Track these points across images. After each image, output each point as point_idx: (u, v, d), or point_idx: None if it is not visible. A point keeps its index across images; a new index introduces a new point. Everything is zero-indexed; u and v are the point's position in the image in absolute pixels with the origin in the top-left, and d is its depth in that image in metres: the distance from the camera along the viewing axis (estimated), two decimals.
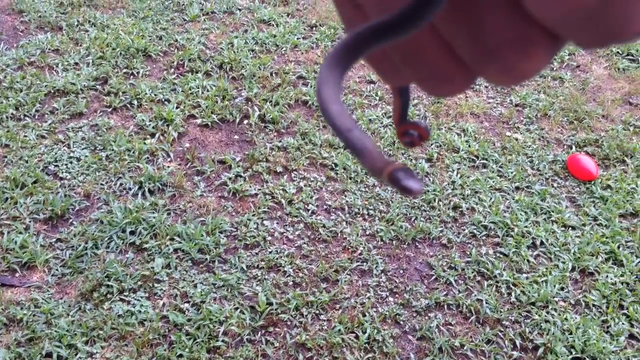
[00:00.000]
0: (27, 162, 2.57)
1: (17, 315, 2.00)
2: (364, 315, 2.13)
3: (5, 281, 2.12)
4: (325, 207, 2.54)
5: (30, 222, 2.33)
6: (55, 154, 2.63)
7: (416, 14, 0.22)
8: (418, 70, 0.27)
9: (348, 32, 0.26)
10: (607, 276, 2.36)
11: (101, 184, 2.53)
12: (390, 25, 0.23)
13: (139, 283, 2.16)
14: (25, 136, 2.70)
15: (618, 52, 3.80)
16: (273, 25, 3.72)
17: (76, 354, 1.91)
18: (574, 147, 3.02)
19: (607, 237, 2.52)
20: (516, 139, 3.04)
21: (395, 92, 0.34)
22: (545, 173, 2.84)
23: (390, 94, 3.23)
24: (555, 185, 2.79)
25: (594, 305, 2.26)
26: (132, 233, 2.33)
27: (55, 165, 2.58)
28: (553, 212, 2.62)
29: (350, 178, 2.68)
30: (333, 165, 2.73)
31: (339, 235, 2.42)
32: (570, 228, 2.57)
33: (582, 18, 0.21)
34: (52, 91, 2.98)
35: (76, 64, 3.20)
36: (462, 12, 0.23)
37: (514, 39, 0.23)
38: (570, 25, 0.21)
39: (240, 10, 3.85)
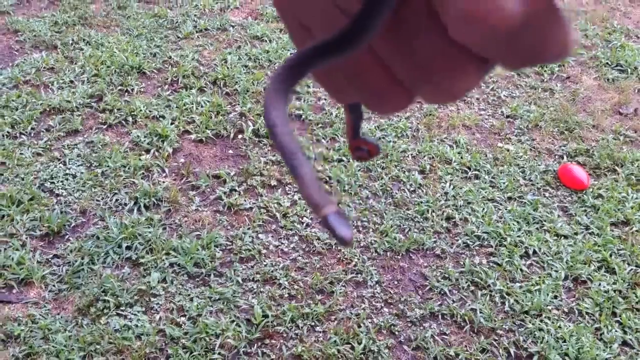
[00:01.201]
0: (23, 179, 2.59)
1: (14, 332, 2.01)
2: (359, 326, 2.15)
3: (3, 298, 2.13)
4: (319, 219, 2.55)
5: (26, 238, 2.35)
6: (51, 171, 2.65)
7: (354, 36, 0.24)
8: (361, 89, 0.29)
9: (296, 51, 0.28)
10: (599, 284, 2.38)
11: (97, 200, 2.55)
12: (330, 46, 0.25)
13: (136, 297, 2.17)
14: (21, 154, 2.72)
15: (607, 63, 3.85)
16: (266, 41, 3.77)
17: None
18: (565, 157, 3.06)
19: (599, 246, 2.55)
20: (508, 150, 3.07)
21: (347, 110, 0.36)
22: (537, 183, 2.87)
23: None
24: (547, 195, 2.82)
25: (587, 313, 2.28)
26: (128, 248, 2.34)
27: (52, 182, 2.60)
28: (545, 221, 2.65)
29: (344, 190, 2.70)
30: (327, 178, 2.75)
31: (334, 247, 2.44)
32: (562, 237, 2.59)
33: (500, 43, 0.22)
34: (48, 109, 3.01)
35: (71, 82, 3.23)
36: (397, 37, 0.25)
37: (444, 62, 0.25)
38: (491, 49, 0.23)
39: (233, 26, 3.90)
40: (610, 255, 2.49)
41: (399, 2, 0.24)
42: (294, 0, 0.28)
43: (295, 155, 0.26)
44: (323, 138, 3.00)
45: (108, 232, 2.38)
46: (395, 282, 2.34)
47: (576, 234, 2.61)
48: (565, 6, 4.49)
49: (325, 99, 3.26)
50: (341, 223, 0.26)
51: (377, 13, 0.24)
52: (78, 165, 2.70)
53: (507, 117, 3.33)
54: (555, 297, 2.33)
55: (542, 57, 0.24)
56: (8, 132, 2.84)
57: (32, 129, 2.88)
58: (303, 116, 3.13)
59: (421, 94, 0.27)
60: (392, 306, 2.25)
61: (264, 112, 0.27)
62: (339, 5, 0.26)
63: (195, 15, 3.97)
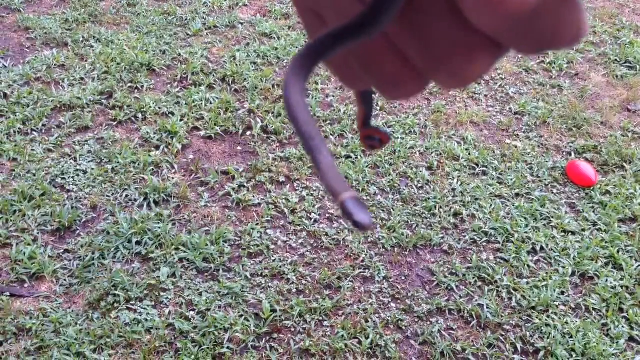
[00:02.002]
0: (34, 175, 2.62)
1: (26, 325, 2.04)
2: (367, 321, 2.17)
3: (15, 292, 2.16)
4: (327, 215, 2.57)
5: (38, 233, 2.38)
6: (62, 167, 2.68)
7: (369, 22, 0.25)
8: (375, 75, 0.29)
9: (310, 39, 0.29)
10: (606, 280, 2.38)
11: (107, 196, 2.57)
12: (345, 32, 0.26)
13: (145, 292, 2.20)
14: (32, 150, 2.75)
15: (616, 60, 3.84)
16: (274, 38, 3.78)
17: None
18: (573, 154, 3.06)
19: (606, 242, 2.55)
20: (516, 147, 3.07)
21: (359, 99, 0.37)
22: (545, 179, 2.87)
23: (397, 103, 3.28)
24: (554, 191, 2.82)
25: (594, 309, 2.28)
26: (138, 243, 2.37)
27: (63, 178, 2.63)
28: (553, 217, 2.66)
29: (352, 186, 2.72)
30: (334, 159, 2.76)
31: (342, 243, 2.46)
32: (570, 233, 2.60)
33: (516, 27, 0.23)
34: (59, 106, 3.04)
35: (82, 79, 3.26)
36: (411, 22, 0.26)
37: (459, 46, 0.26)
38: (507, 34, 0.24)
39: (242, 24, 3.92)
40: (618, 252, 2.50)
41: None
42: None
43: (314, 140, 0.27)
44: (331, 134, 3.02)
45: (118, 228, 2.41)
46: (403, 278, 2.36)
47: (584, 230, 2.61)
48: None
49: (333, 96, 3.27)
50: (359, 208, 0.26)
51: None
52: (88, 161, 2.72)
53: (515, 113, 3.33)
54: (562, 293, 2.34)
55: (557, 42, 0.25)
56: (20, 128, 2.87)
57: (43, 125, 2.91)
58: (311, 112, 3.14)
59: (435, 79, 0.28)
60: (399, 301, 2.27)
61: (284, 98, 0.27)
62: None
63: (204, 12, 3.99)
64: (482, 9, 0.23)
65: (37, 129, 2.89)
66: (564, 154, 3.06)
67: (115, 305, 2.14)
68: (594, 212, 2.71)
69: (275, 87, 3.32)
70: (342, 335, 2.11)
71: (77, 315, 2.10)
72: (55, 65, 3.34)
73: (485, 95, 3.46)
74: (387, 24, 0.25)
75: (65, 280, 2.22)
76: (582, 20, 0.24)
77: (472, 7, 0.23)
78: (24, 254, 2.27)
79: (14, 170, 2.64)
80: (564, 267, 2.43)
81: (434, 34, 0.26)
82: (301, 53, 0.27)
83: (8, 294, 2.15)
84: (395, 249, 2.46)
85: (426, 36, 0.26)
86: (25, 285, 2.20)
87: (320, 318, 2.17)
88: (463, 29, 0.25)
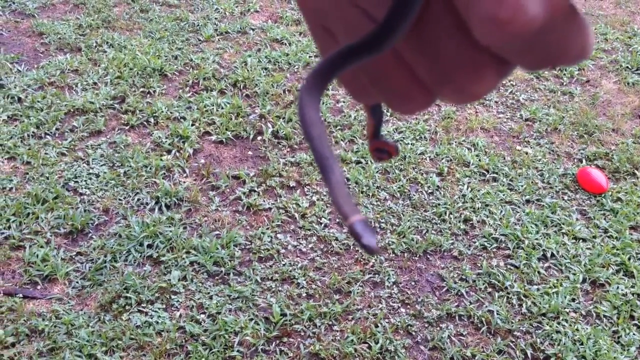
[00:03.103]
0: (48, 178, 2.64)
1: (38, 326, 2.06)
2: (377, 326, 2.17)
3: (28, 293, 2.18)
4: (337, 220, 2.58)
5: (51, 236, 2.40)
6: (75, 170, 2.70)
7: (380, 40, 0.26)
8: (384, 90, 0.30)
9: (322, 57, 0.30)
10: (617, 287, 2.38)
11: (119, 199, 2.60)
12: (357, 50, 0.27)
13: (157, 295, 2.21)
14: (46, 154, 2.78)
15: (627, 67, 3.83)
16: (286, 44, 3.80)
17: None
18: (584, 161, 3.05)
19: (617, 249, 2.54)
20: (526, 153, 3.07)
21: (369, 113, 0.38)
22: (556, 186, 2.87)
23: (404, 115, 3.28)
24: (565, 198, 2.81)
25: (604, 316, 2.28)
26: (149, 246, 2.39)
27: (75, 182, 2.65)
28: (564, 224, 2.65)
29: (362, 192, 2.72)
30: (345, 179, 2.78)
31: (351, 247, 2.46)
32: (580, 240, 2.59)
33: (523, 45, 0.24)
34: (72, 110, 3.07)
35: (95, 83, 3.29)
36: (420, 39, 0.27)
37: (466, 64, 0.26)
38: (514, 51, 0.25)
39: (253, 30, 3.94)
40: (629, 259, 2.49)
41: (423, 6, 0.25)
42: (318, 5, 0.29)
43: (327, 160, 0.27)
44: (342, 140, 3.03)
45: (130, 231, 2.42)
46: (413, 283, 2.36)
47: (595, 237, 2.60)
48: (584, 10, 4.48)
49: (344, 102, 3.29)
50: (367, 231, 0.26)
51: (404, 17, 0.25)
52: (101, 165, 2.75)
53: (526, 120, 3.33)
54: (573, 299, 2.33)
55: (562, 60, 0.25)
56: (33, 132, 2.90)
57: (56, 129, 2.94)
58: (322, 118, 3.15)
59: (443, 95, 0.29)
60: (409, 306, 2.27)
61: (299, 117, 0.28)
62: (366, 10, 0.27)
63: (216, 18, 4.02)
64: (489, 28, 0.23)
65: (51, 132, 2.92)
66: (575, 160, 3.05)
67: (127, 307, 2.15)
68: (605, 219, 2.70)
69: (286, 92, 3.34)
70: (352, 340, 2.11)
71: (89, 317, 2.11)
72: (68, 70, 3.38)
73: (496, 102, 3.46)
74: (397, 41, 0.26)
75: (77, 282, 2.24)
76: (587, 40, 0.25)
77: (480, 26, 0.24)
78: (37, 256, 2.29)
79: (27, 174, 2.67)
80: (574, 274, 2.42)
81: (442, 51, 0.26)
82: (315, 70, 0.28)
83: (21, 295, 2.17)
84: (405, 255, 2.46)
85: (434, 53, 0.27)
86: (38, 287, 2.22)
87: (330, 322, 2.18)
88: (470, 46, 0.26)
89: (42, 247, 2.34)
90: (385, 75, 0.29)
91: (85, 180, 2.66)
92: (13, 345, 2.00)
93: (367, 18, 0.27)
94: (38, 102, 3.09)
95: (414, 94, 0.29)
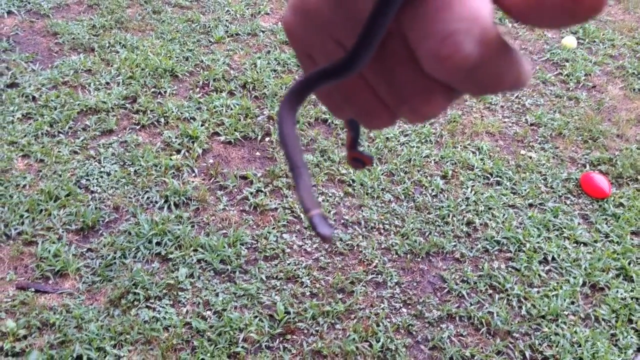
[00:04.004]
0: (60, 176, 2.71)
1: (50, 320, 2.12)
2: (378, 325, 2.22)
3: (39, 287, 2.25)
4: (342, 221, 2.63)
5: (63, 232, 2.47)
6: (87, 168, 2.77)
7: (347, 66, 0.31)
8: (353, 107, 0.35)
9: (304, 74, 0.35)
10: (617, 291, 2.41)
11: (129, 198, 2.66)
12: (328, 73, 0.32)
13: (164, 291, 2.27)
14: (59, 152, 2.85)
15: (634, 73, 3.85)
16: None
17: (105, 357, 2.02)
18: (588, 166, 3.08)
19: (618, 254, 2.58)
20: (530, 157, 3.11)
21: (347, 125, 0.43)
22: (559, 191, 2.90)
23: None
24: (568, 202, 2.85)
25: (603, 319, 2.31)
26: (158, 244, 2.45)
27: (87, 179, 2.72)
28: (565, 228, 2.69)
29: (367, 194, 2.77)
30: (351, 181, 2.83)
31: (355, 248, 2.51)
32: (582, 244, 2.63)
33: (463, 76, 0.28)
34: (85, 109, 3.14)
35: (107, 83, 3.36)
36: (381, 67, 0.32)
37: (418, 89, 0.31)
38: (456, 81, 0.29)
39: (263, 32, 4.00)
40: (629, 264, 2.52)
41: (384, 40, 0.30)
42: (303, 36, 0.35)
43: (298, 168, 0.33)
44: None
45: (139, 228, 2.49)
46: (415, 284, 2.40)
47: (596, 241, 2.64)
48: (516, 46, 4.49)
49: None
50: (323, 223, 0.32)
51: (368, 47, 0.30)
52: (112, 164, 2.81)
53: (531, 124, 3.37)
54: (572, 302, 2.37)
55: (499, 88, 0.30)
56: (47, 130, 2.97)
57: (69, 128, 3.01)
58: (329, 120, 3.21)
59: (401, 114, 0.34)
60: (410, 307, 2.32)
61: (277, 128, 0.34)
62: (342, 43, 0.33)
63: (226, 20, 4.08)
64: (433, 62, 0.28)
65: (64, 131, 2.99)
66: (579, 165, 3.09)
67: (135, 303, 2.22)
68: (606, 223, 2.73)
69: None
70: (354, 338, 2.16)
71: (98, 312, 2.17)
72: (82, 69, 3.45)
73: (502, 106, 3.49)
74: (362, 67, 0.31)
75: (87, 277, 2.30)
76: (521, 71, 0.30)
77: (426, 60, 0.28)
78: (49, 251, 2.36)
79: (40, 171, 2.74)
80: (574, 278, 2.46)
81: (398, 77, 0.31)
82: (291, 89, 0.34)
83: (33, 289, 2.24)
84: (408, 256, 2.51)
85: (393, 79, 0.32)
86: (50, 282, 2.29)
87: (333, 321, 2.23)
88: (421, 75, 0.30)
89: (54, 243, 2.41)
90: (354, 95, 0.34)
91: (96, 178, 2.73)
92: (25, 337, 2.07)
93: (342, 49, 0.33)
94: (52, 101, 3.16)
95: (378, 112, 0.34)
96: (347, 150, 0.44)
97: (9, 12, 3.90)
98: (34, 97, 3.18)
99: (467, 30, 0.27)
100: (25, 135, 2.91)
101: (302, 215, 2.63)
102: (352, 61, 0.31)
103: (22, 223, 2.48)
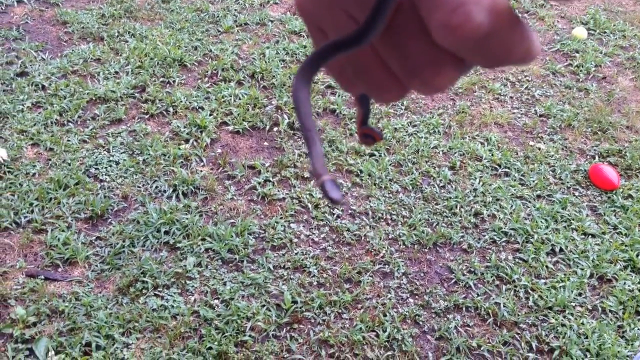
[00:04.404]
0: (70, 165, 2.73)
1: (59, 307, 2.14)
2: (385, 315, 2.23)
3: (49, 275, 2.27)
4: (350, 211, 2.64)
5: (72, 221, 2.48)
6: (96, 157, 2.78)
7: (359, 37, 0.32)
8: (365, 81, 0.36)
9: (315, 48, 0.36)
10: (624, 283, 2.41)
11: (138, 187, 2.67)
12: (341, 44, 0.33)
13: (172, 280, 2.28)
14: (68, 140, 2.86)
15: None
16: (303, 36, 3.85)
17: (113, 344, 2.04)
18: (597, 157, 3.07)
19: (626, 245, 2.57)
20: (539, 149, 3.10)
21: (358, 102, 0.44)
22: (567, 182, 2.89)
23: (424, 99, 3.31)
24: (576, 194, 2.84)
25: (610, 310, 2.31)
26: (166, 233, 2.46)
27: (96, 168, 2.73)
28: (573, 220, 2.68)
29: (375, 184, 2.77)
30: (358, 171, 2.83)
31: (363, 238, 2.52)
32: (590, 236, 2.62)
33: (473, 47, 0.29)
34: (94, 98, 3.15)
35: (116, 72, 3.37)
36: (392, 39, 0.32)
37: (429, 61, 0.31)
38: (466, 52, 0.29)
39: (272, 21, 3.99)
40: (637, 255, 2.52)
41: (394, 12, 0.31)
42: (314, 10, 0.35)
43: (310, 132, 0.34)
44: (356, 132, 3.07)
45: (148, 217, 2.50)
46: (422, 274, 2.41)
47: (604, 233, 2.63)
48: (603, 6, 4.46)
49: None
50: (334, 188, 0.33)
51: (379, 19, 0.31)
52: (121, 153, 2.83)
53: (540, 116, 3.35)
54: (580, 294, 2.37)
55: (508, 61, 0.30)
56: (56, 119, 2.98)
57: (78, 117, 3.02)
58: (337, 110, 3.20)
59: (412, 87, 0.34)
60: (417, 297, 2.32)
61: (292, 95, 0.34)
62: (352, 15, 0.33)
63: (235, 10, 4.07)
64: (444, 32, 0.28)
65: (73, 120, 3.00)
66: (588, 157, 3.07)
67: (144, 291, 2.23)
68: (615, 215, 2.72)
69: None
70: (360, 328, 2.17)
71: (107, 300, 2.19)
72: (91, 59, 3.46)
73: (511, 97, 3.48)
74: (372, 39, 0.32)
75: (96, 266, 2.32)
76: (531, 45, 0.30)
77: (436, 30, 0.29)
78: (59, 239, 2.38)
79: (50, 160, 2.75)
80: (582, 269, 2.46)
81: (409, 50, 0.32)
82: (307, 60, 0.34)
83: (43, 277, 2.26)
84: (416, 246, 2.51)
85: (403, 51, 0.32)
86: (59, 270, 2.30)
87: (340, 310, 2.24)
88: (432, 47, 0.31)
89: (63, 231, 2.43)
90: (366, 69, 0.35)
91: (105, 167, 2.74)
92: (34, 324, 2.09)
93: (352, 21, 0.33)
94: (61, 90, 3.18)
95: (390, 85, 0.35)
96: (357, 126, 0.44)
97: (19, 1, 3.91)
98: (43, 86, 3.20)
99: (478, 0, 0.27)
100: (34, 124, 2.93)
101: (309, 205, 2.63)
102: (364, 32, 0.31)
103: (32, 211, 2.50)
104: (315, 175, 0.33)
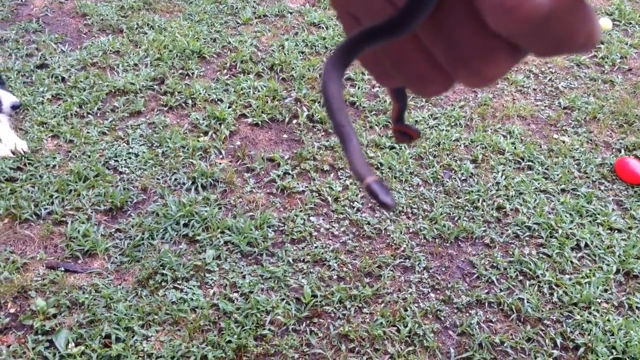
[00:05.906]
0: (89, 157, 2.73)
1: (79, 299, 2.14)
2: (406, 310, 2.20)
3: (69, 267, 2.27)
4: (370, 204, 2.60)
5: (92, 212, 2.48)
6: (115, 149, 2.78)
7: (400, 24, 0.28)
8: (405, 73, 0.32)
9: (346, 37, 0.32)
10: None
11: (157, 179, 2.66)
12: (379, 31, 0.29)
13: (191, 272, 2.27)
14: (88, 132, 2.86)
15: None
16: (323, 27, 3.81)
17: (133, 336, 2.03)
18: (622, 151, 3.00)
19: None
20: (563, 142, 3.04)
21: (393, 97, 0.40)
22: (592, 176, 2.84)
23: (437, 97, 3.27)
24: (602, 188, 2.78)
25: (637, 307, 2.26)
26: (185, 225, 2.45)
27: (115, 160, 2.73)
28: (599, 214, 2.62)
29: (395, 177, 2.74)
30: (379, 164, 2.80)
31: (383, 232, 2.48)
32: (616, 231, 2.56)
33: (531, 31, 0.25)
34: (113, 90, 3.15)
35: (135, 64, 3.36)
36: (438, 26, 0.29)
37: (480, 49, 0.28)
38: (523, 37, 0.26)
39: (291, 13, 3.96)
40: None
41: None
42: None
43: (344, 127, 0.30)
44: (376, 125, 3.04)
45: (167, 210, 2.49)
46: (443, 269, 2.37)
47: (630, 228, 2.57)
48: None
49: (379, 87, 3.29)
50: (383, 190, 0.29)
51: (424, 4, 0.27)
52: (140, 145, 2.82)
53: (565, 108, 3.29)
54: (606, 290, 2.32)
55: (569, 46, 0.27)
56: (76, 111, 2.98)
57: (98, 109, 3.02)
58: (357, 103, 3.17)
59: (459, 78, 0.30)
60: (439, 292, 2.28)
61: (322, 87, 0.30)
62: None
63: (254, 1, 4.05)
64: (499, 15, 0.25)
65: (93, 112, 3.00)
66: (614, 150, 3.01)
67: (163, 284, 2.22)
68: None
69: None
70: (381, 323, 2.14)
71: (126, 292, 2.19)
72: (110, 51, 3.45)
73: (534, 89, 3.42)
74: (416, 26, 0.28)
75: (116, 258, 2.31)
76: (592, 29, 0.27)
77: (490, 12, 0.26)
78: (79, 231, 2.38)
79: (70, 152, 2.75)
80: (608, 265, 2.40)
81: (458, 37, 0.28)
82: (339, 47, 0.30)
83: (63, 269, 2.25)
84: (437, 240, 2.47)
85: (451, 39, 0.29)
86: (79, 262, 2.30)
87: (360, 305, 2.21)
88: (484, 33, 0.27)
89: (83, 223, 2.42)
90: (406, 59, 0.31)
91: (125, 159, 2.73)
92: (55, 316, 2.09)
93: (389, 4, 0.29)
94: (81, 82, 3.18)
95: (433, 77, 0.31)
96: (393, 122, 0.41)
97: None
98: (63, 78, 3.20)
99: None
100: (54, 116, 2.93)
101: (329, 198, 2.61)
102: (405, 19, 0.27)
103: (52, 203, 2.50)
104: (357, 176, 0.29)
